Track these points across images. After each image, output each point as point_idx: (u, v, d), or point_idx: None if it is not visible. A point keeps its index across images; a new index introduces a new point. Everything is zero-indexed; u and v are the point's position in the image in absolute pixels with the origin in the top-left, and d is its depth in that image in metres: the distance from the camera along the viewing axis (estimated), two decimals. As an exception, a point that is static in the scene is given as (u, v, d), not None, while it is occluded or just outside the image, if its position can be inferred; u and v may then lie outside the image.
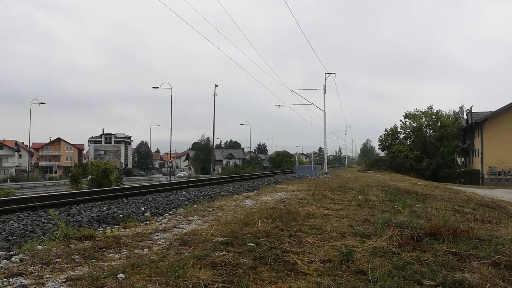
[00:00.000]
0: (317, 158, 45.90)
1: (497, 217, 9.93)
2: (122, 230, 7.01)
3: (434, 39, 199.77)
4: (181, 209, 10.02)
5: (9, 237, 6.55)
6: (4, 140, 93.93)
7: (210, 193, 15.11)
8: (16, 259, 4.69)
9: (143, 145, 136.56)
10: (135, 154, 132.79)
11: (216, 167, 73.65)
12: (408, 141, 56.95)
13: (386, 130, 59.06)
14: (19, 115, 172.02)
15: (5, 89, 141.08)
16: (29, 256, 4.81)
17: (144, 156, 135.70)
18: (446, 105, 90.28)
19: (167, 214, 9.16)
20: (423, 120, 55.26)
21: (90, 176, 25.66)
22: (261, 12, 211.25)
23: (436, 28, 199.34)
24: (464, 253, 5.12)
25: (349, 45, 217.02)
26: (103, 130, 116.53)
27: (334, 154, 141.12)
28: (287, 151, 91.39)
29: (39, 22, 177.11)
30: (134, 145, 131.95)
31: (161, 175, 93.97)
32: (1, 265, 4.47)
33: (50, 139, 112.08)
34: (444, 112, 56.57)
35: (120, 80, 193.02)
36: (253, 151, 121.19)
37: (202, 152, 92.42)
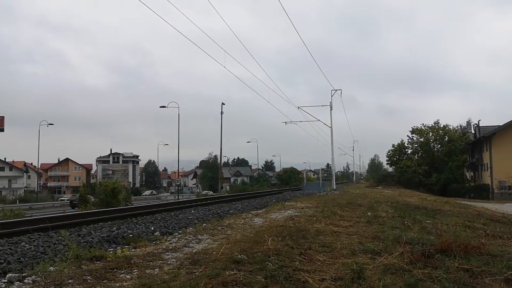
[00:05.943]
0: (325, 174, 45.77)
1: (509, 232, 9.81)
2: (133, 250, 7.05)
3: (440, 53, 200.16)
4: (191, 228, 10.05)
5: (21, 258, 6.59)
6: (13, 161, 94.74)
7: (218, 211, 15.12)
8: (29, 281, 4.74)
9: (150, 164, 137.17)
10: (143, 173, 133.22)
11: (224, 185, 73.42)
12: (416, 156, 56.77)
13: (393, 145, 59.03)
14: (28, 136, 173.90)
15: (14, 111, 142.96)
16: (41, 277, 4.86)
17: (152, 175, 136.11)
18: (454, 119, 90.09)
19: (177, 233, 9.19)
20: (430, 135, 55.16)
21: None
22: (267, 30, 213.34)
23: (443, 43, 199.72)
24: (476, 270, 5.09)
25: (356, 61, 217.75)
26: (111, 150, 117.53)
27: (342, 170, 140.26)
28: (295, 168, 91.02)
29: (49, 43, 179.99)
30: (141, 164, 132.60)
31: (168, 193, 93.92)
32: (14, 287, 4.52)
33: (59, 160, 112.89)
34: (451, 127, 56.45)
35: (129, 99, 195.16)
36: (261, 168, 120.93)
37: (210, 170, 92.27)
